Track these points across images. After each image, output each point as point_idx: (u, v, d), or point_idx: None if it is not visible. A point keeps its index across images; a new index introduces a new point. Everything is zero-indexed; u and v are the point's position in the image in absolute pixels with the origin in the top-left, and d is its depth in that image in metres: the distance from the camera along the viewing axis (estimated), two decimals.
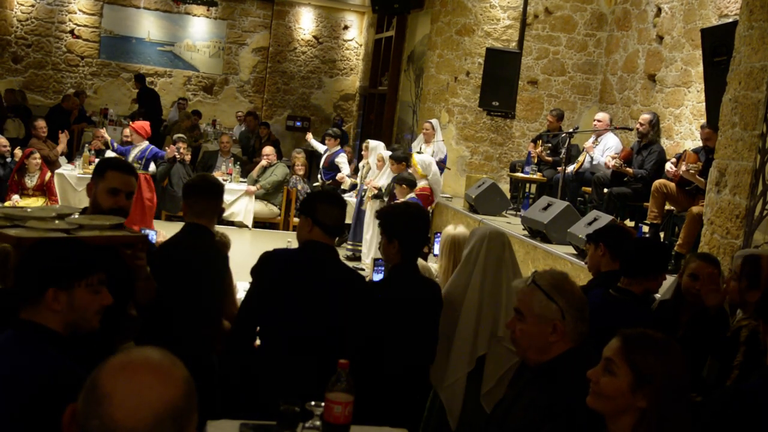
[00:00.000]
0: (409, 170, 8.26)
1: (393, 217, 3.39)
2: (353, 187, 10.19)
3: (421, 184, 8.10)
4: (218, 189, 3.53)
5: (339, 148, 10.65)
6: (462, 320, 3.43)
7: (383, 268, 5.01)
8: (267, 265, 3.13)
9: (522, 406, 2.30)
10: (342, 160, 10.47)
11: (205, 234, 3.45)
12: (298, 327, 3.04)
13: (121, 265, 2.77)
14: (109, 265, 2.26)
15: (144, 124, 9.51)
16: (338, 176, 10.28)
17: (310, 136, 11.58)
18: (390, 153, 8.85)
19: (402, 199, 7.54)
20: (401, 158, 8.42)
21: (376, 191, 8.52)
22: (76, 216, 2.88)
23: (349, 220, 9.18)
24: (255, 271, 3.15)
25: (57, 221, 2.70)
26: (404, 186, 7.72)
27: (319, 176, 10.65)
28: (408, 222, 3.36)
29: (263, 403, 2.80)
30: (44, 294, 2.04)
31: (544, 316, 2.29)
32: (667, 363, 1.94)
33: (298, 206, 4.45)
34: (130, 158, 9.06)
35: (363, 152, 9.56)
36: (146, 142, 9.33)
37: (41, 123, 10.00)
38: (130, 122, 9.98)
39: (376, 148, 9.31)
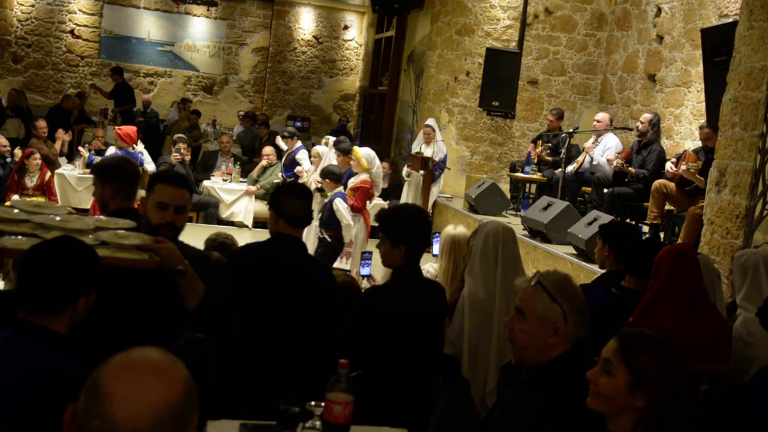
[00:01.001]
0: (352, 163, 8.08)
1: (399, 222, 3.29)
2: None
3: (363, 176, 7.86)
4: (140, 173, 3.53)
5: (299, 145, 10.57)
6: (497, 323, 3.34)
7: (370, 262, 5.04)
8: (235, 262, 3.27)
9: (520, 408, 2.29)
10: (302, 156, 10.37)
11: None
12: (269, 318, 3.14)
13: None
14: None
15: (130, 130, 9.24)
16: (297, 169, 10.16)
17: (279, 139, 11.45)
18: (326, 149, 8.75)
19: (330, 194, 7.30)
20: (347, 151, 8.13)
21: (319, 185, 8.30)
22: (117, 232, 2.76)
23: None
24: (226, 269, 3.29)
25: (90, 236, 2.64)
26: (328, 180, 7.33)
27: (280, 174, 10.56)
28: (415, 226, 3.28)
29: (263, 403, 2.81)
30: (76, 303, 2.07)
31: (546, 317, 2.26)
32: (665, 363, 1.94)
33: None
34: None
35: (313, 159, 9.52)
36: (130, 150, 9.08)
37: (42, 123, 10.00)
38: (117, 127, 9.63)
39: (327, 155, 9.25)
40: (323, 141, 9.81)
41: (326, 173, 7.44)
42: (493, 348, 3.36)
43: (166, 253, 2.62)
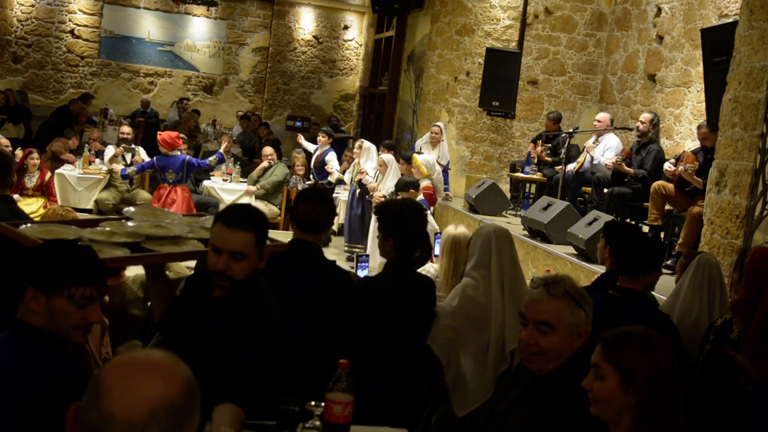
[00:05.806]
0: (412, 170, 8.14)
1: (389, 215, 3.43)
2: (339, 182, 10.14)
3: (425, 183, 7.97)
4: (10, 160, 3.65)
5: (329, 147, 10.53)
6: (494, 328, 3.30)
7: (367, 264, 5.05)
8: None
9: (524, 410, 2.28)
10: (331, 158, 10.37)
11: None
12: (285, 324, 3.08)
13: None
14: None
15: (171, 135, 8.83)
16: (327, 167, 10.18)
17: (301, 138, 11.43)
18: (386, 155, 8.76)
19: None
20: (409, 159, 8.28)
21: (383, 200, 8.28)
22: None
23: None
24: None
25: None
26: (411, 191, 7.46)
27: (311, 176, 10.56)
28: (403, 221, 3.38)
29: (263, 403, 2.80)
30: (25, 292, 2.00)
31: (575, 324, 2.25)
32: (649, 356, 1.94)
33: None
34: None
35: (355, 151, 9.46)
36: (178, 152, 8.67)
37: (74, 141, 10.56)
38: (160, 132, 9.28)
39: (369, 149, 9.24)
40: (357, 144, 9.55)
41: (405, 185, 7.50)
42: (490, 357, 3.30)
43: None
